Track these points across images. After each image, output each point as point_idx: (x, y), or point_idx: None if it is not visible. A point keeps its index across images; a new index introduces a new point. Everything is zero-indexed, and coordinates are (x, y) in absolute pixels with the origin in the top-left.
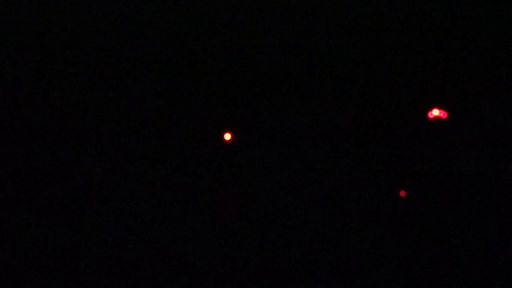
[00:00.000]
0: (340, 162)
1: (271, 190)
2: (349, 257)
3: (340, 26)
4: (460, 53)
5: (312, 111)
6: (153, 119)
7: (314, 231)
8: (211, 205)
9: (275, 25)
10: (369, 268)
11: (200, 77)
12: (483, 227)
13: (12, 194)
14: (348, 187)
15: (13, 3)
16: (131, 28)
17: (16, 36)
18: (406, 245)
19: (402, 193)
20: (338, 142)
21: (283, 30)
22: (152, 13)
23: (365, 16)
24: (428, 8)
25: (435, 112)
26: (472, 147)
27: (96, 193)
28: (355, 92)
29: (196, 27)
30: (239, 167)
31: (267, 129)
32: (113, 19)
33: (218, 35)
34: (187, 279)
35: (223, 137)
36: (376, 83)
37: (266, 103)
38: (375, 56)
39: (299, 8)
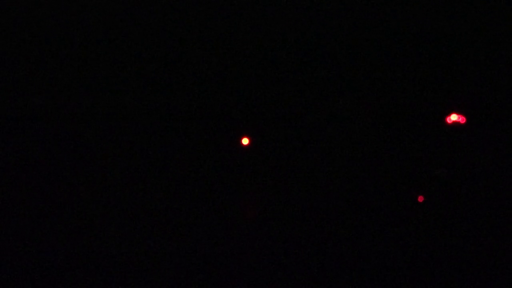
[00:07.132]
0: (357, 167)
1: (289, 193)
2: (368, 262)
3: (359, 29)
4: (479, 57)
5: (329, 115)
6: (171, 123)
7: (333, 235)
8: (228, 209)
9: (295, 27)
10: (393, 275)
11: (218, 82)
12: (502, 233)
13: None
14: (364, 192)
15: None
16: (153, 31)
17: (16, 36)
18: (423, 250)
19: (420, 198)
20: (355, 146)
21: (304, 32)
22: (175, 15)
23: (384, 19)
24: (447, 13)
25: (454, 117)
26: (491, 152)
27: (111, 197)
28: (373, 97)
29: (214, 31)
30: (257, 172)
31: (285, 133)
32: (144, 18)
33: (238, 39)
34: (200, 280)
35: (241, 141)
36: (394, 87)
37: (284, 107)
38: (394, 61)
39: (320, 8)
